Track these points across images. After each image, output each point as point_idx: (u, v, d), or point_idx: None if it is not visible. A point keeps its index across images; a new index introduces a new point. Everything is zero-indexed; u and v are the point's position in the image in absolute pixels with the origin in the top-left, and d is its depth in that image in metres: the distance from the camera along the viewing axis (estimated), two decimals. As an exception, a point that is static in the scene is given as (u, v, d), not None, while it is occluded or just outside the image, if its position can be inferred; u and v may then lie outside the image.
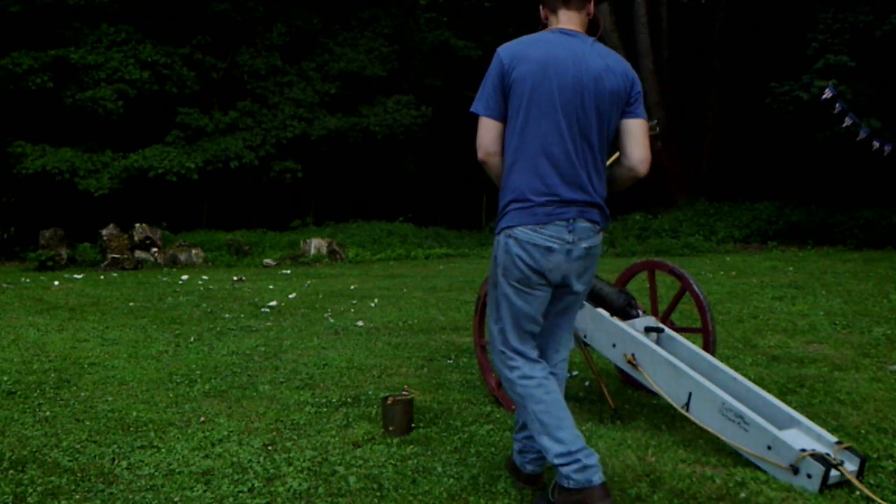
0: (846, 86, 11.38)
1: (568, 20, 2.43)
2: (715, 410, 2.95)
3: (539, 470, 2.63)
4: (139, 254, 12.58)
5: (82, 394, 3.97)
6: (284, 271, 11.25)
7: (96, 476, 2.82)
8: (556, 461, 2.33)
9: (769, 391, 3.52)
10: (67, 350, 5.06)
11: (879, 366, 4.33)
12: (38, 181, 14.54)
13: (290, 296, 7.94)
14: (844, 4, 12.14)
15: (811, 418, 3.11)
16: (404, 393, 3.40)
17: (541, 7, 2.51)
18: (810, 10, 12.84)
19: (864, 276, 8.31)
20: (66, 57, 14.20)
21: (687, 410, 3.07)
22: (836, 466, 2.60)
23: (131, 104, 14.72)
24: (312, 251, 13.15)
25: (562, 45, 2.37)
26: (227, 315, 6.61)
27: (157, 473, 2.84)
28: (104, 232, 12.69)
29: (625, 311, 3.59)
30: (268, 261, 12.68)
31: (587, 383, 4.11)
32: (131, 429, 3.37)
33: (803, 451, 2.64)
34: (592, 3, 2.46)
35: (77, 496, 2.65)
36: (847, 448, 2.71)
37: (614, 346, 3.45)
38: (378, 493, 2.62)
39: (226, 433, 3.28)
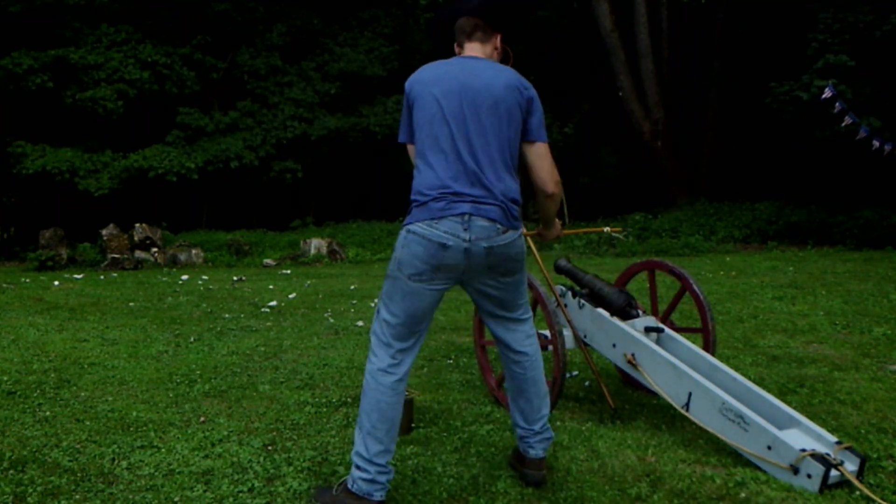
0: (846, 85, 11.36)
1: (471, 49, 2.67)
2: (715, 410, 2.95)
3: (542, 454, 2.69)
4: (139, 254, 12.58)
5: (82, 394, 3.97)
6: (284, 271, 11.25)
7: (96, 476, 2.82)
8: (355, 460, 2.47)
9: (769, 391, 3.52)
10: (67, 350, 5.06)
11: (879, 366, 4.33)
12: (38, 181, 14.53)
13: (290, 296, 7.94)
14: (844, 4, 12.12)
15: (811, 418, 3.11)
16: (405, 393, 3.40)
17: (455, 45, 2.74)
18: (810, 10, 12.82)
19: (864, 276, 8.31)
20: (66, 57, 14.19)
21: (687, 410, 3.08)
22: (836, 466, 2.60)
23: (131, 104, 14.71)
24: (312, 251, 13.14)
25: (456, 63, 2.60)
26: (227, 315, 6.61)
27: (157, 473, 2.84)
28: (104, 232, 12.69)
29: (625, 311, 3.59)
30: (268, 261, 12.68)
31: (587, 383, 4.11)
32: (131, 429, 3.37)
33: (803, 451, 2.64)
34: (498, 39, 2.69)
35: (77, 496, 2.65)
36: (847, 448, 2.72)
37: (614, 346, 3.45)
38: (378, 493, 2.62)
39: (226, 433, 3.28)
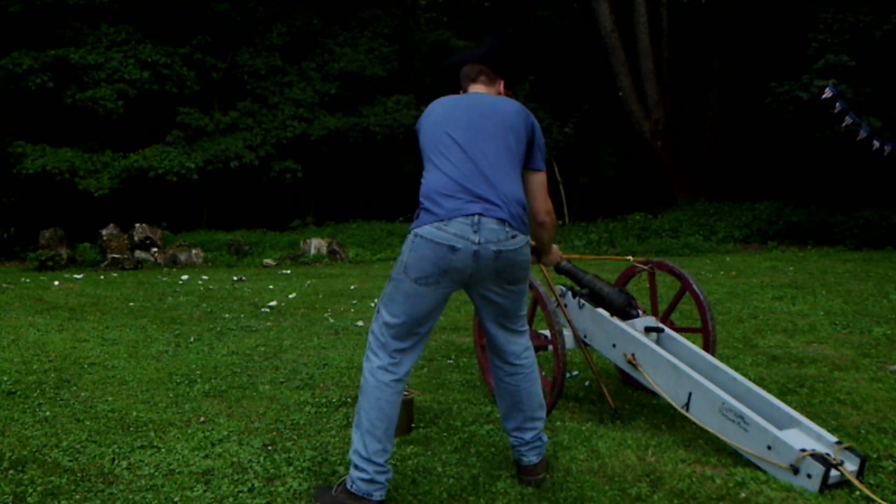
0: (846, 85, 11.36)
1: (476, 89, 2.78)
2: (715, 410, 2.95)
3: (536, 460, 2.69)
4: (139, 254, 12.58)
5: (82, 394, 3.97)
6: (284, 271, 11.25)
7: (96, 476, 2.82)
8: (353, 459, 2.47)
9: (769, 391, 3.52)
10: (67, 350, 5.06)
11: (879, 366, 4.33)
12: (38, 181, 14.52)
13: (290, 296, 7.94)
14: (844, 4, 12.12)
15: (811, 418, 3.11)
16: (404, 393, 3.40)
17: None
18: (810, 10, 12.82)
19: (864, 276, 8.31)
20: (66, 57, 14.19)
21: (687, 410, 3.08)
22: (836, 466, 2.60)
23: (131, 104, 14.71)
24: (312, 251, 13.14)
25: (464, 96, 2.73)
26: (227, 315, 6.61)
27: (157, 473, 2.84)
28: (104, 232, 12.69)
29: (625, 311, 3.59)
30: (268, 261, 12.67)
31: (587, 383, 4.11)
32: (131, 429, 3.37)
33: (803, 451, 2.64)
34: (502, 84, 2.81)
35: (77, 496, 2.65)
36: (847, 448, 2.72)
37: (614, 346, 3.45)
38: (378, 493, 2.62)
39: (226, 433, 3.28)
